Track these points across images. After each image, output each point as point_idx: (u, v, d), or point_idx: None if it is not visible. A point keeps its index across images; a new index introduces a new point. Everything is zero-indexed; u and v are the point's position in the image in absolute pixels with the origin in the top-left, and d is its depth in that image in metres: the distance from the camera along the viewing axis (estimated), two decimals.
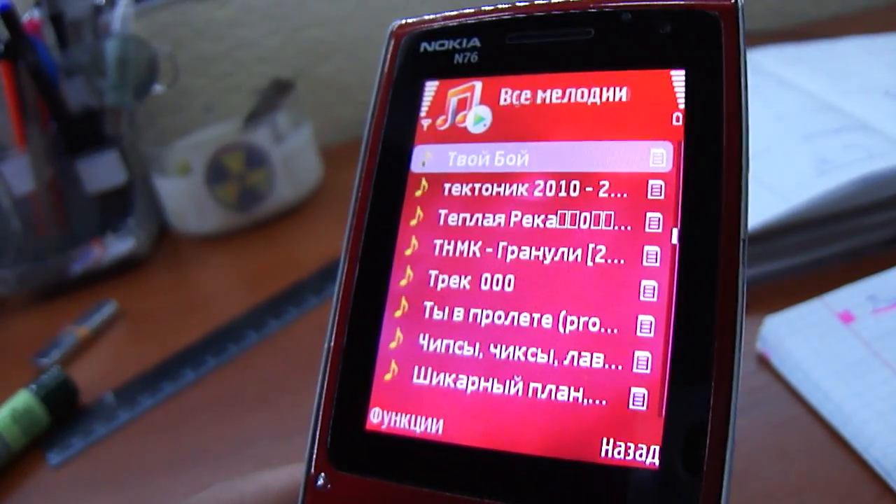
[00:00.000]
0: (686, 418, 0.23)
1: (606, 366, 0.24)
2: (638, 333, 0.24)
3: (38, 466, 0.60)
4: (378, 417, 0.27)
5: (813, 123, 0.65)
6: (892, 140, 0.59)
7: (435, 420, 0.26)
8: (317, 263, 0.78)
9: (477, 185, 0.28)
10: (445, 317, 0.27)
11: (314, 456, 0.27)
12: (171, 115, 1.10)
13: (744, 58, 0.25)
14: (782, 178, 0.58)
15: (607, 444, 0.23)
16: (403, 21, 0.32)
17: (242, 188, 0.90)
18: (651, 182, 0.25)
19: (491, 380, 0.25)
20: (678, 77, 0.26)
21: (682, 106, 0.25)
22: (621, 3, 0.27)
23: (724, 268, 0.23)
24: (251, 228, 0.92)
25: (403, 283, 0.28)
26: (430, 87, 0.31)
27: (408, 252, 0.29)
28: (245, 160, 0.89)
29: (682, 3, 0.26)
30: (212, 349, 0.68)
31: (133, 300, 0.83)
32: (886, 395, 0.42)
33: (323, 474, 0.27)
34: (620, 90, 0.27)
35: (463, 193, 0.29)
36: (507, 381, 0.25)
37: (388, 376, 0.27)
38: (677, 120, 0.25)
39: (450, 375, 0.26)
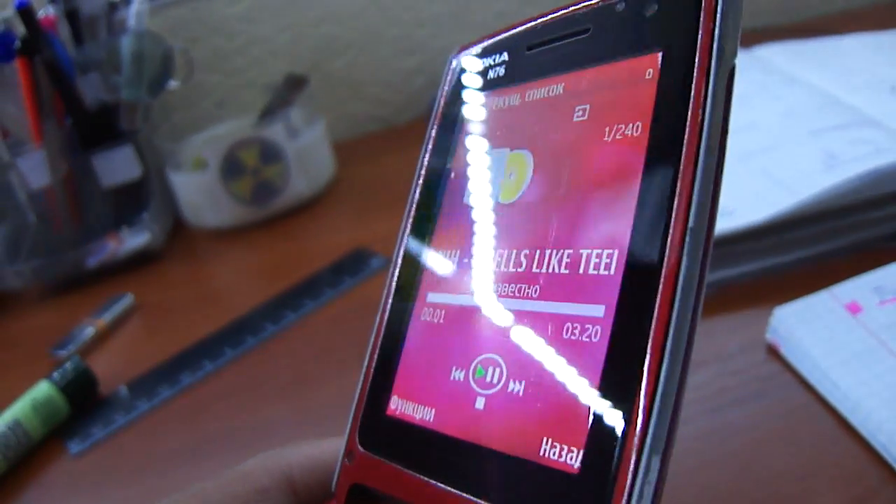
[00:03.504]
0: (608, 427, 0.22)
1: (553, 364, 0.24)
2: (568, 336, 0.24)
3: (58, 455, 0.60)
4: (396, 404, 0.29)
5: (820, 119, 0.65)
6: None
7: (428, 409, 0.27)
8: (331, 256, 0.79)
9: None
10: (449, 317, 0.29)
11: (349, 433, 0.30)
12: (184, 110, 1.11)
13: (719, 37, 0.23)
14: (790, 172, 0.59)
15: (546, 443, 0.23)
16: (461, 46, 0.34)
17: (257, 183, 0.91)
18: (621, 174, 0.25)
19: (469, 373, 0.26)
20: (658, 59, 0.25)
21: (655, 87, 0.25)
22: None
23: (669, 264, 0.22)
24: (265, 222, 0.93)
25: (429, 286, 0.30)
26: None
27: (435, 255, 0.31)
28: (260, 155, 0.90)
29: None
30: (230, 341, 0.69)
31: (149, 293, 0.84)
32: (893, 384, 0.42)
33: (352, 450, 0.29)
34: (613, 79, 0.27)
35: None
36: (482, 376, 0.26)
37: (407, 368, 0.29)
38: (650, 102, 0.25)
39: (443, 368, 0.27)
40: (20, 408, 0.61)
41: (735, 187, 0.60)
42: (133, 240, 0.90)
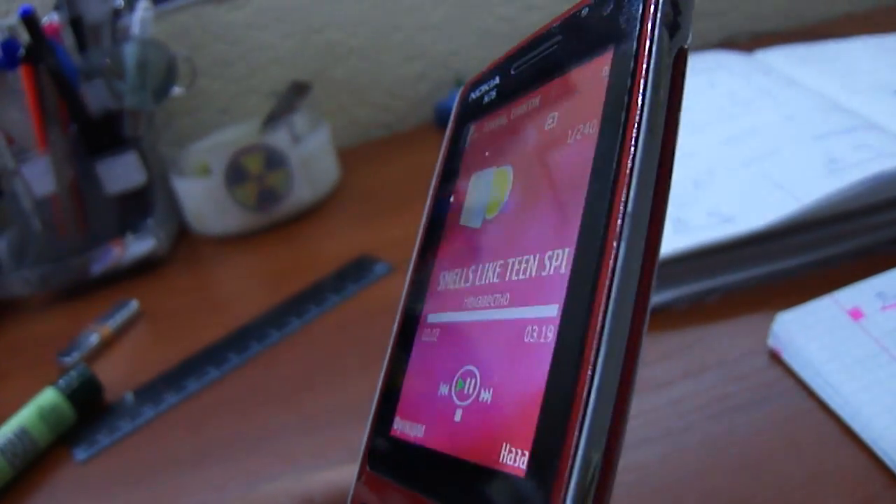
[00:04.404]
0: (550, 426, 0.21)
1: (512, 368, 0.24)
2: (528, 339, 0.24)
3: (64, 462, 0.61)
4: (398, 424, 0.29)
5: (823, 123, 0.65)
6: None
7: (420, 426, 0.28)
8: (335, 262, 0.79)
9: None
10: (441, 335, 0.29)
11: (361, 455, 0.30)
12: (188, 116, 1.12)
13: (661, 22, 0.23)
14: (793, 177, 0.59)
15: (504, 448, 0.23)
16: (468, 81, 0.35)
17: (261, 189, 0.91)
18: (576, 172, 0.24)
19: (451, 387, 0.27)
20: (611, 55, 0.25)
21: (605, 84, 0.24)
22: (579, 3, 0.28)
23: (608, 253, 0.21)
24: (270, 229, 0.93)
25: (429, 307, 0.31)
26: (469, 129, 0.33)
27: (437, 279, 0.31)
28: (264, 161, 0.90)
29: None
30: (235, 347, 0.69)
31: (154, 300, 0.84)
32: (894, 390, 0.42)
33: (362, 472, 0.30)
34: (577, 83, 0.27)
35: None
36: (461, 388, 0.26)
37: (408, 389, 0.30)
38: (602, 98, 0.24)
39: (433, 385, 0.28)
40: (26, 415, 0.61)
41: (737, 192, 0.60)
42: (138, 246, 0.90)
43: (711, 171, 0.64)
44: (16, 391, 0.69)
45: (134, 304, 0.82)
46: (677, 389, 0.49)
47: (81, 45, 0.94)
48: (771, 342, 0.50)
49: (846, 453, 0.42)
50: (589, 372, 0.20)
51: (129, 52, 0.89)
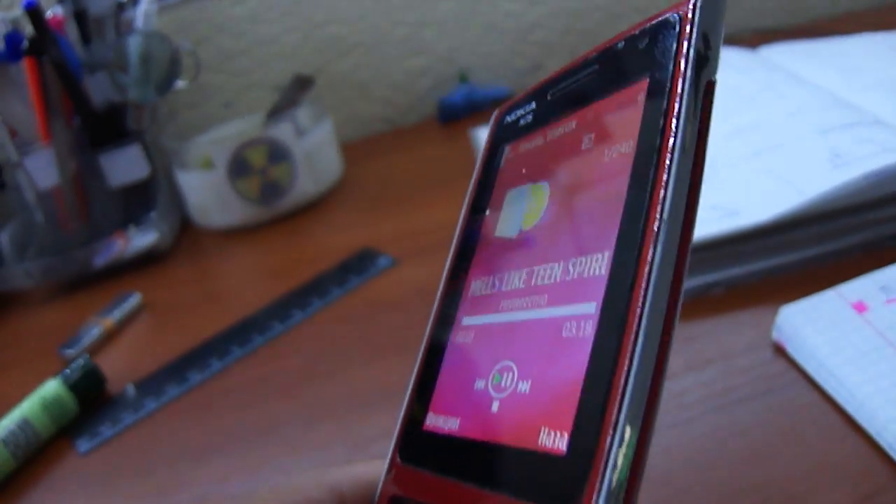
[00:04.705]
0: (589, 406, 0.23)
1: (552, 360, 0.26)
2: (566, 334, 0.26)
3: (67, 453, 0.61)
4: (430, 419, 0.31)
5: (827, 118, 0.65)
6: None
7: (455, 419, 0.29)
8: (338, 255, 0.79)
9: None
10: (477, 336, 0.31)
11: (392, 450, 0.32)
12: (191, 110, 1.12)
13: (694, 57, 0.26)
14: (797, 171, 0.59)
15: (543, 432, 0.24)
16: (502, 106, 0.38)
17: (265, 182, 0.91)
18: (614, 185, 0.27)
19: (488, 381, 0.28)
20: (646, 83, 0.27)
21: (640, 111, 0.27)
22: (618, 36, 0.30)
23: (645, 254, 0.24)
24: (273, 222, 0.94)
25: (464, 311, 0.33)
26: (505, 149, 0.36)
27: (471, 285, 0.33)
28: (267, 155, 0.90)
29: (653, 17, 0.28)
30: (237, 339, 0.69)
31: (156, 292, 0.84)
32: None
33: (392, 465, 0.31)
34: (613, 107, 0.29)
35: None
36: (498, 382, 0.28)
37: (442, 386, 0.31)
38: (638, 121, 0.27)
39: (469, 381, 0.29)
40: (29, 406, 0.61)
41: (741, 186, 0.60)
42: (141, 239, 0.90)
43: (716, 166, 0.64)
44: (18, 383, 0.69)
45: (136, 297, 0.81)
46: (682, 382, 0.49)
47: (85, 37, 0.94)
48: (775, 335, 0.50)
49: (850, 445, 0.42)
50: (628, 357, 0.23)
51: (133, 45, 0.90)
